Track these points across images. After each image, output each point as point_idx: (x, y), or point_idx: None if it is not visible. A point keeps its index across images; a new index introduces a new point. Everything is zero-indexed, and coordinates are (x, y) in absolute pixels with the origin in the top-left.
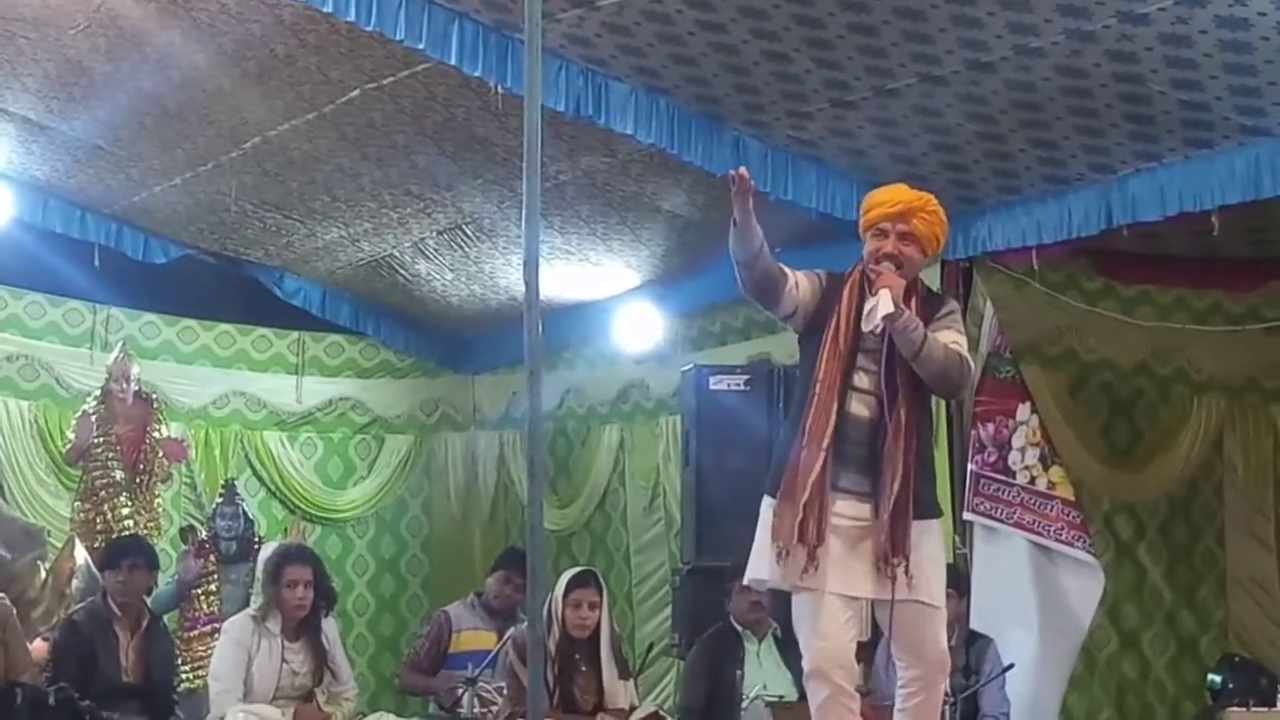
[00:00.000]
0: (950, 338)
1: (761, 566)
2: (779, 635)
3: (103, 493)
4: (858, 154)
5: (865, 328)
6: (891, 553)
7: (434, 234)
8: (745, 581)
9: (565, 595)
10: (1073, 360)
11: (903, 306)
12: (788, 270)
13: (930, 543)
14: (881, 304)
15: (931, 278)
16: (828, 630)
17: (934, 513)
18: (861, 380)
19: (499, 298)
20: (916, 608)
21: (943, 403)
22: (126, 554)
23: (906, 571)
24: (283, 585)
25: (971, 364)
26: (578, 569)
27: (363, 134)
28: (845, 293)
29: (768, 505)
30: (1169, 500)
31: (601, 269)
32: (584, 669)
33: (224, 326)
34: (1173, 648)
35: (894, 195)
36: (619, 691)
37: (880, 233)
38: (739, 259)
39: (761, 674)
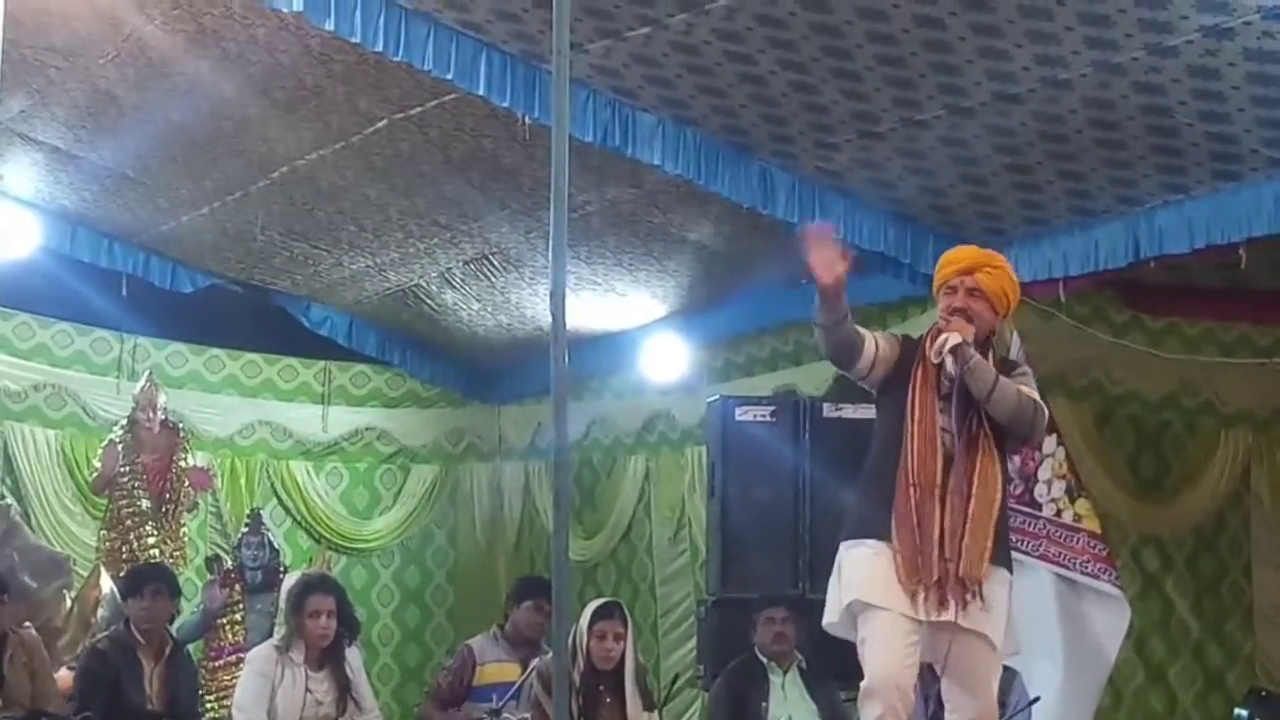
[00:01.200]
0: (1027, 393)
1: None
2: (804, 667)
3: (129, 521)
4: (885, 185)
5: (934, 359)
6: (967, 583)
7: (460, 264)
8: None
9: (590, 626)
10: (1099, 392)
11: (972, 348)
12: (864, 332)
13: (997, 588)
14: (950, 338)
15: None
16: (887, 650)
17: (1005, 561)
18: (942, 420)
19: (525, 328)
20: (976, 641)
21: None
22: (148, 580)
23: (979, 596)
24: (306, 615)
25: (1045, 410)
26: (603, 600)
27: (390, 164)
28: (925, 344)
29: (870, 549)
30: (1196, 533)
31: (628, 299)
32: (608, 700)
33: (250, 356)
34: (1200, 681)
35: (960, 253)
36: None
37: (950, 290)
38: (821, 323)
39: (786, 706)
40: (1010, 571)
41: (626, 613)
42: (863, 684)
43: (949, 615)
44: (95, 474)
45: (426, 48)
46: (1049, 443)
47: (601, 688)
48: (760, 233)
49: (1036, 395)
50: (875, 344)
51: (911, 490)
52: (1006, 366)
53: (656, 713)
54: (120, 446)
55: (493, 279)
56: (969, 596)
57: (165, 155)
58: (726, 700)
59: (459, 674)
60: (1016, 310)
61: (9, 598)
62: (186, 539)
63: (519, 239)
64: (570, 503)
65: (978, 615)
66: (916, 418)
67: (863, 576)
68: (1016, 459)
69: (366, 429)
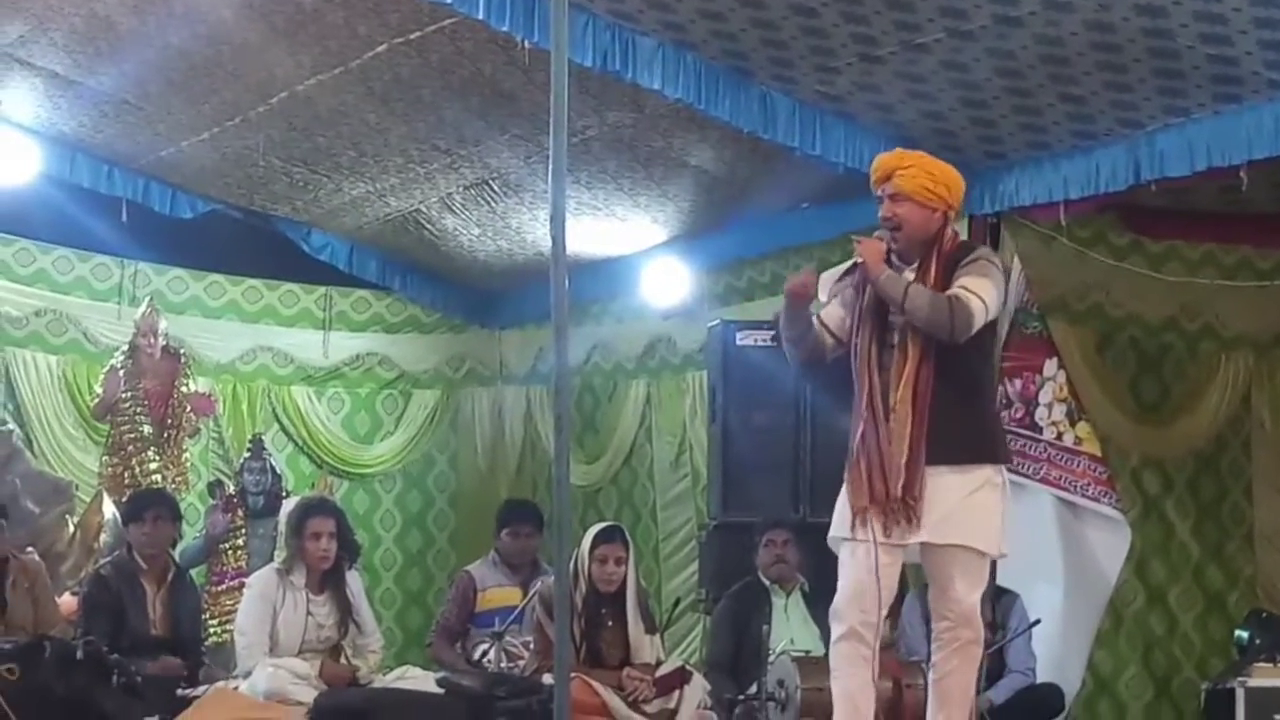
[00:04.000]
0: (963, 283)
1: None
2: (806, 590)
3: (130, 447)
4: (885, 109)
5: (823, 298)
6: (909, 501)
7: (461, 189)
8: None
9: (591, 550)
10: (1100, 316)
11: (881, 267)
12: (821, 325)
13: (968, 487)
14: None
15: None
16: (850, 576)
17: (972, 458)
18: (890, 338)
19: (525, 253)
20: (950, 551)
21: None
22: (149, 506)
23: (916, 514)
24: (306, 537)
25: (971, 303)
26: (604, 524)
27: (390, 89)
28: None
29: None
30: (1196, 456)
31: (628, 224)
32: (610, 624)
33: (251, 281)
34: (1200, 603)
35: (876, 163)
36: (645, 646)
37: (879, 199)
38: (788, 336)
39: (788, 628)
40: (994, 464)
41: (628, 536)
42: (831, 607)
43: (918, 537)
44: (97, 400)
45: None
46: (1050, 366)
47: (603, 611)
48: (761, 157)
49: (982, 283)
50: (828, 330)
51: (862, 419)
52: (960, 253)
53: (658, 636)
54: (122, 372)
55: (493, 204)
56: (913, 515)
57: (164, 80)
58: (729, 622)
59: (461, 603)
60: (1015, 232)
61: (11, 523)
62: (188, 464)
63: (519, 164)
64: (571, 428)
65: (951, 526)
66: (861, 346)
67: (839, 512)
68: (1018, 382)
69: (367, 354)
